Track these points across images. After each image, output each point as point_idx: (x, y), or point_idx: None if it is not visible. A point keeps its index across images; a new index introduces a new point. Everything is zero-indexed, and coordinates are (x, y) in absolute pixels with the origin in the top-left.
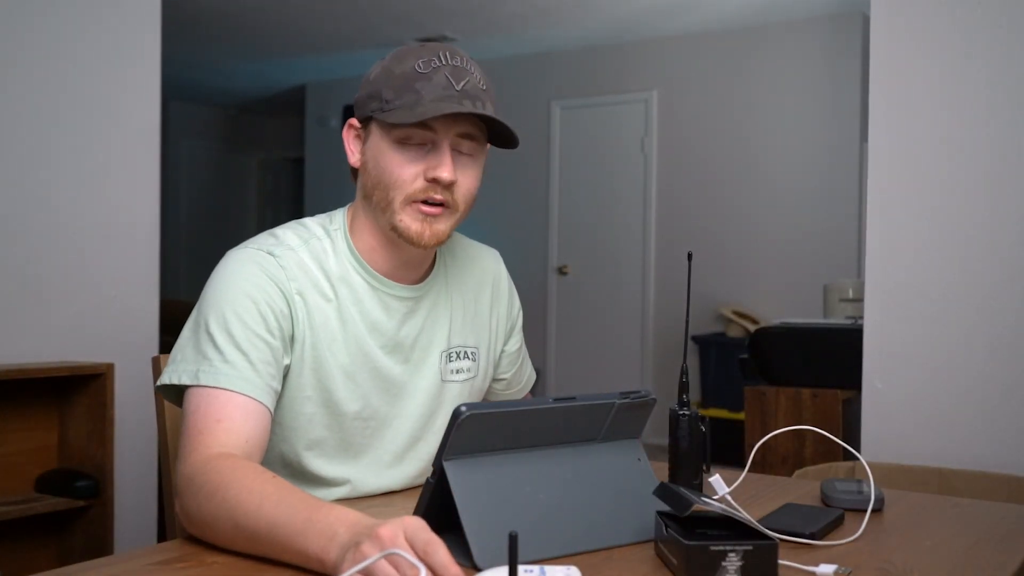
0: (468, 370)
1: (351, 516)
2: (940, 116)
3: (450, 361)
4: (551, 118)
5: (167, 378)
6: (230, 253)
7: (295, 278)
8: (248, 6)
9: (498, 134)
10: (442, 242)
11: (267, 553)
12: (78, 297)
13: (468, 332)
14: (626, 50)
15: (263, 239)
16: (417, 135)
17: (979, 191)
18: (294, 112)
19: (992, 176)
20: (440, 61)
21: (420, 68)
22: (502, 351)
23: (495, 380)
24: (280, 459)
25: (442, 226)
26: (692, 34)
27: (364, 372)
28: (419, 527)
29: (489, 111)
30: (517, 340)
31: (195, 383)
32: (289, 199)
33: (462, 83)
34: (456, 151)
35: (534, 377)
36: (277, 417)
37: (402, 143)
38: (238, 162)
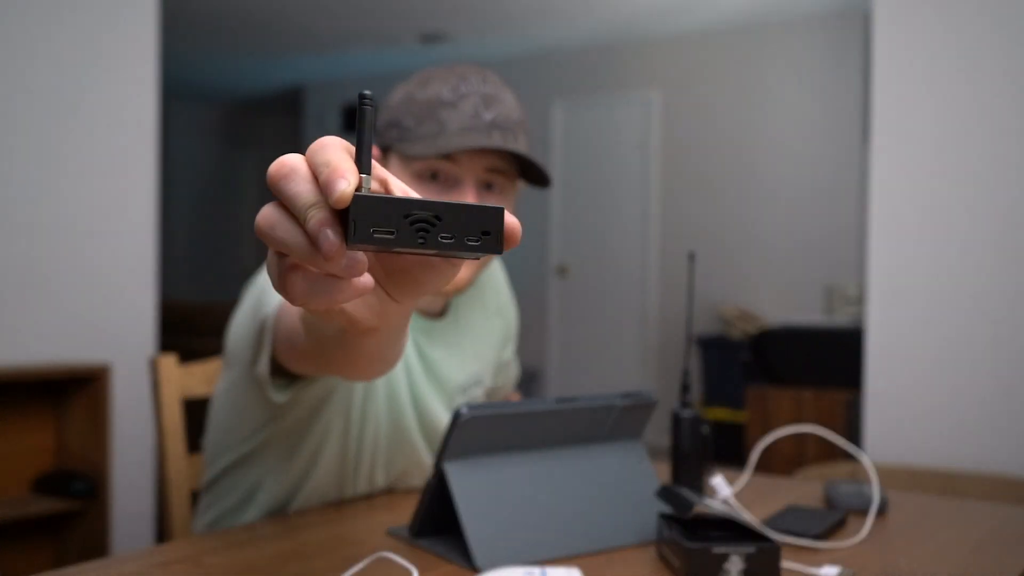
0: (477, 396)
1: None
2: (943, 116)
3: (463, 393)
4: (552, 118)
5: (258, 367)
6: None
7: None
8: (248, 6)
9: (527, 169)
10: (463, 290)
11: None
12: (75, 296)
13: (477, 361)
14: (627, 50)
15: None
16: (439, 169)
17: (982, 191)
18: (293, 111)
19: (995, 176)
20: (469, 87)
21: (446, 95)
22: (499, 362)
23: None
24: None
25: (465, 273)
26: (693, 34)
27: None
28: (322, 145)
29: (521, 143)
30: (511, 348)
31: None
32: None
33: (492, 113)
34: (482, 187)
35: (517, 374)
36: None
37: (422, 177)
38: (238, 161)
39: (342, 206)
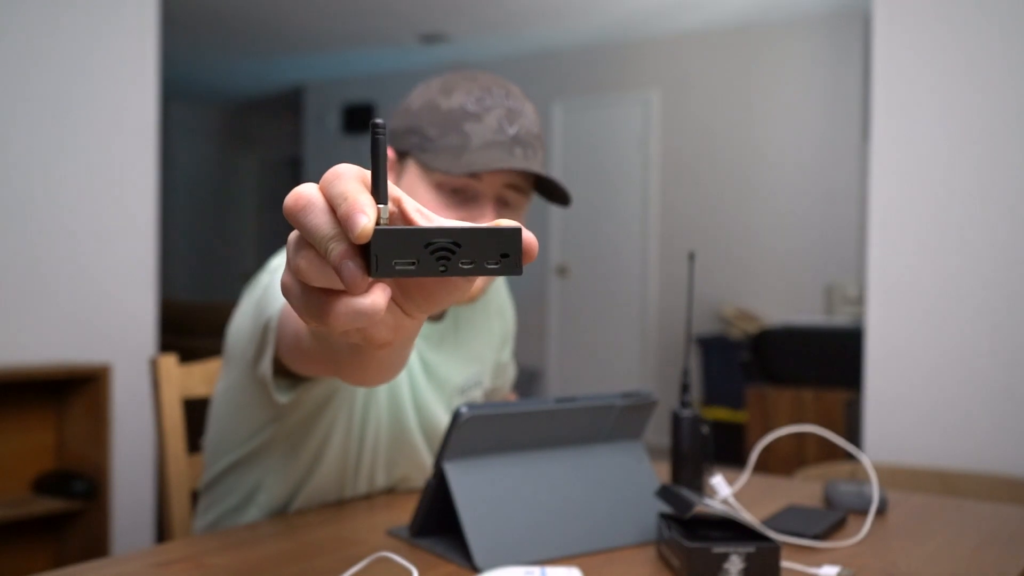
0: (476, 397)
1: None
2: (942, 116)
3: (462, 394)
4: (552, 117)
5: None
6: (279, 262)
7: None
8: (248, 6)
9: (543, 183)
10: (476, 300)
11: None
12: (76, 296)
13: (476, 363)
14: (627, 49)
15: None
16: (459, 183)
17: (981, 191)
18: (293, 111)
19: (994, 176)
20: (493, 100)
21: (470, 107)
22: (497, 363)
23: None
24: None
25: (480, 284)
26: (693, 33)
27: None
28: (337, 175)
29: (540, 158)
30: (508, 349)
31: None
32: None
33: (515, 128)
34: (499, 200)
35: (514, 375)
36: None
37: (441, 188)
38: (237, 162)
39: (363, 242)
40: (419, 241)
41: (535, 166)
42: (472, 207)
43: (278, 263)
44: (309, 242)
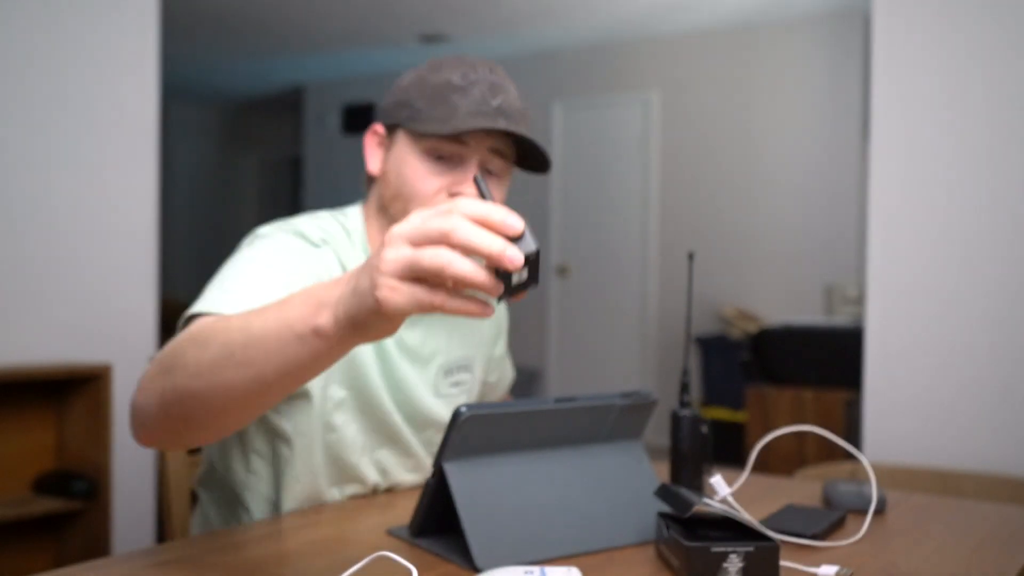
0: (465, 382)
1: (336, 280)
2: (942, 116)
3: (448, 375)
4: (552, 118)
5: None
6: (265, 231)
7: (330, 270)
8: (248, 6)
9: (525, 157)
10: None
11: (253, 368)
12: (76, 296)
13: (464, 347)
14: (627, 49)
15: (291, 225)
16: (446, 148)
17: (981, 191)
18: (293, 111)
19: (994, 176)
20: (477, 75)
21: (456, 80)
22: (490, 357)
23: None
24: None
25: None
26: (693, 33)
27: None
28: (469, 202)
29: (523, 131)
30: (502, 344)
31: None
32: (287, 199)
33: (498, 100)
34: (483, 169)
35: (512, 376)
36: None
37: (429, 155)
38: (237, 162)
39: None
40: (536, 257)
41: (517, 130)
42: (457, 173)
43: (265, 233)
44: (465, 251)
